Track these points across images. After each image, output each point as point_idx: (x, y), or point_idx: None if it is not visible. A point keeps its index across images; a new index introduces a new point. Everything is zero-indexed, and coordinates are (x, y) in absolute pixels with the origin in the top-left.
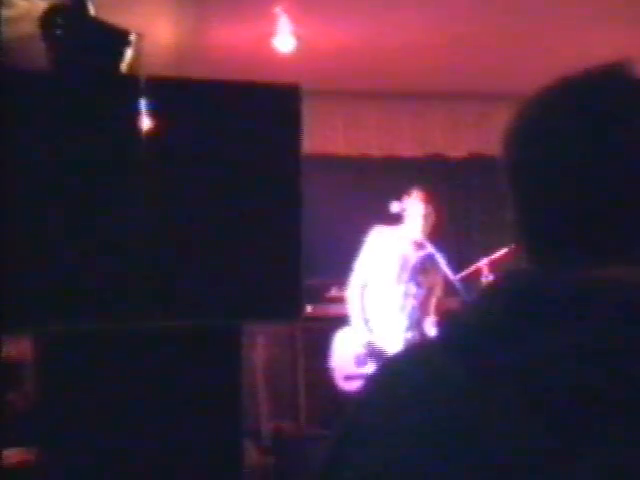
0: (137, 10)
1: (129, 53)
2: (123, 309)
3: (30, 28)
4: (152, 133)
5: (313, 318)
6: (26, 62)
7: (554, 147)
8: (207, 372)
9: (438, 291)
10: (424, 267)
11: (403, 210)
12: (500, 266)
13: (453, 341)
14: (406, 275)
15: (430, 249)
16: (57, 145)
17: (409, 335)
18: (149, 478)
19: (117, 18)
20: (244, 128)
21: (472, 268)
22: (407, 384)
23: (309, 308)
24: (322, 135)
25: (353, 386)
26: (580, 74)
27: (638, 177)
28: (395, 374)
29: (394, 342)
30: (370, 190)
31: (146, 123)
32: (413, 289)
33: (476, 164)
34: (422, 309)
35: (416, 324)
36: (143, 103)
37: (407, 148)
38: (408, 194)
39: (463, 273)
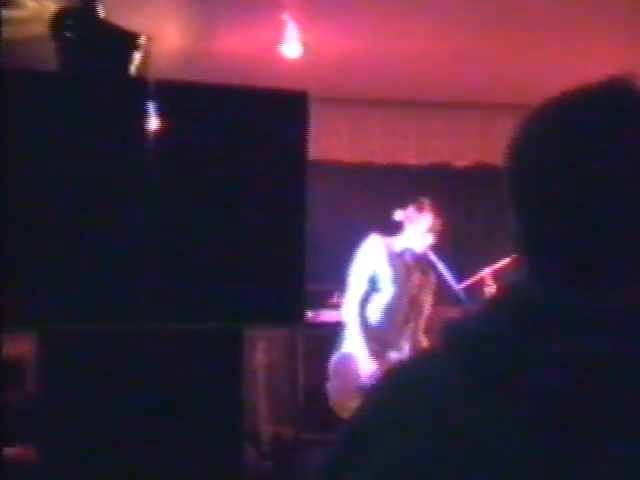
0: (147, 13)
1: (138, 56)
2: (124, 310)
3: (40, 29)
4: (159, 136)
5: (314, 324)
6: (35, 63)
7: (553, 162)
8: (208, 375)
9: (429, 300)
10: (422, 272)
11: (407, 219)
12: (503, 276)
13: (457, 351)
14: (406, 282)
15: (432, 257)
16: (65, 147)
17: (405, 345)
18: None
19: (127, 21)
20: (251, 133)
21: (475, 278)
22: (410, 395)
23: (310, 314)
24: (327, 141)
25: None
26: (581, 89)
27: (638, 194)
28: (398, 384)
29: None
30: (374, 197)
31: (154, 126)
32: (414, 299)
33: (480, 173)
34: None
35: (411, 335)
36: (151, 106)
37: (412, 156)
38: (417, 205)
39: (466, 283)
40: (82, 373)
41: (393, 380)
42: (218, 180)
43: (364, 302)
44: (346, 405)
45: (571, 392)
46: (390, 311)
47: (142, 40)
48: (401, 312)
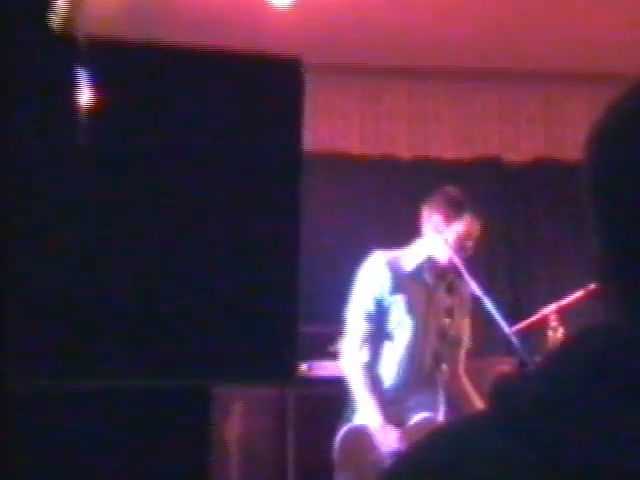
0: None
1: (63, 2)
2: (79, 363)
3: None
4: (93, 113)
5: (309, 380)
6: None
7: None
8: (163, 449)
9: (466, 325)
10: (450, 288)
11: (434, 226)
12: (575, 315)
13: (512, 420)
14: (428, 309)
15: (477, 292)
16: None
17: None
18: None
19: None
20: (222, 113)
21: (534, 317)
22: (448, 475)
23: (304, 367)
24: (330, 127)
25: None
26: None
27: None
28: (432, 461)
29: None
30: (394, 202)
31: (86, 100)
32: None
33: (543, 171)
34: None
35: (448, 380)
36: (82, 74)
37: (447, 147)
38: (445, 200)
39: (521, 324)
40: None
41: (433, 460)
42: (178, 181)
43: (372, 346)
44: None
45: None
46: (411, 355)
47: None
48: (428, 352)
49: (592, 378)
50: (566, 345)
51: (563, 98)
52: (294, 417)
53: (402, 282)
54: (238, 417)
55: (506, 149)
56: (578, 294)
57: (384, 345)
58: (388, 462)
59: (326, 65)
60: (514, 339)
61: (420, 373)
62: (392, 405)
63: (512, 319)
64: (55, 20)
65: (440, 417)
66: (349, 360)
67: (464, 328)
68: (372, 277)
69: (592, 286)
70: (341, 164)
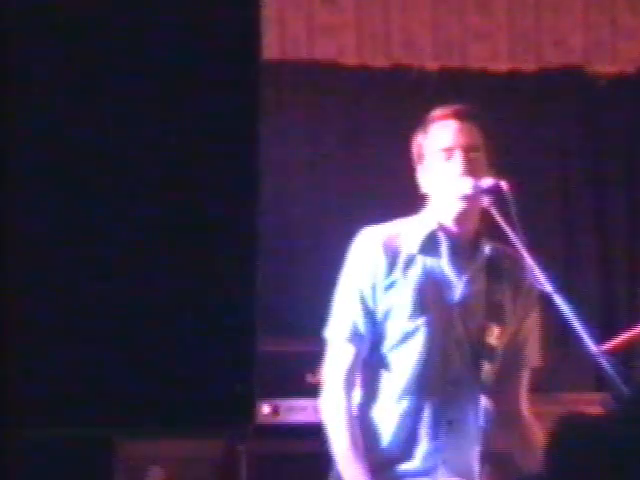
0: None
1: None
2: None
3: None
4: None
5: (274, 429)
6: None
7: None
8: None
9: (531, 327)
10: (491, 269)
11: (418, 156)
12: None
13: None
14: (451, 309)
15: (541, 281)
16: None
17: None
18: None
19: None
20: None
21: (629, 334)
22: None
23: (266, 408)
24: (314, 28)
25: None
26: None
27: None
28: None
29: None
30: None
31: None
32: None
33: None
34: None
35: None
36: None
37: (496, 53)
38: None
39: (617, 340)
40: None
41: None
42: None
43: (365, 378)
44: None
45: None
46: (423, 388)
47: None
48: (455, 381)
49: None
50: None
51: None
52: None
53: (405, 269)
54: None
55: (589, 57)
56: None
57: (382, 375)
58: None
59: None
60: (605, 362)
61: (441, 416)
62: (394, 469)
63: (602, 330)
64: None
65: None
66: (330, 402)
67: (527, 335)
68: (361, 268)
69: None
70: (330, 79)
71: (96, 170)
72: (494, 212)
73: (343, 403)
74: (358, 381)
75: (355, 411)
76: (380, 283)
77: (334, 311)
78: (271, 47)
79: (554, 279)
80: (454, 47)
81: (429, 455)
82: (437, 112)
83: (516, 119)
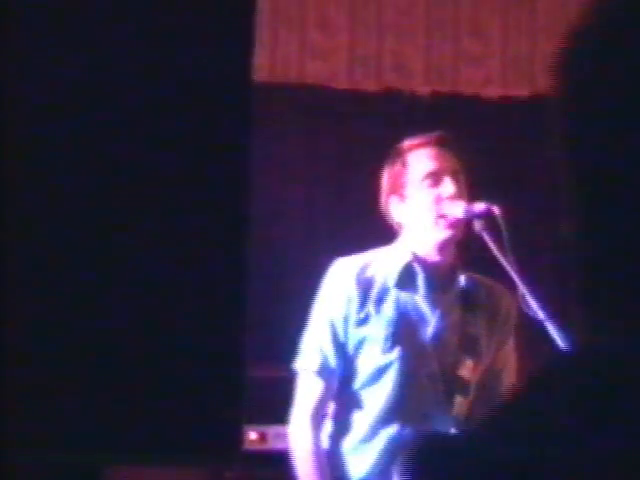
0: None
1: None
2: None
3: None
4: None
5: (262, 457)
6: None
7: None
8: None
9: (510, 365)
10: (465, 298)
11: (391, 183)
12: None
13: None
14: (425, 341)
15: (532, 307)
16: None
17: None
18: None
19: None
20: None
21: None
22: None
23: (253, 435)
24: (306, 50)
25: None
26: None
27: None
28: None
29: None
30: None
31: None
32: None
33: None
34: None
35: None
36: None
37: (488, 78)
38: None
39: None
40: None
41: None
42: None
43: (336, 414)
44: None
45: None
46: (398, 425)
47: None
48: (429, 420)
49: None
50: None
51: None
52: None
53: (378, 303)
54: None
55: None
56: None
57: (354, 412)
58: None
59: None
60: None
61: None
62: None
63: None
64: None
65: None
66: (296, 434)
67: (502, 365)
68: (333, 299)
69: None
70: (319, 104)
71: (86, 168)
72: (486, 237)
73: (309, 436)
74: (330, 410)
75: (326, 441)
76: (352, 316)
77: (304, 342)
78: (262, 68)
79: (547, 306)
80: (446, 72)
81: None
82: (412, 141)
83: (507, 144)
